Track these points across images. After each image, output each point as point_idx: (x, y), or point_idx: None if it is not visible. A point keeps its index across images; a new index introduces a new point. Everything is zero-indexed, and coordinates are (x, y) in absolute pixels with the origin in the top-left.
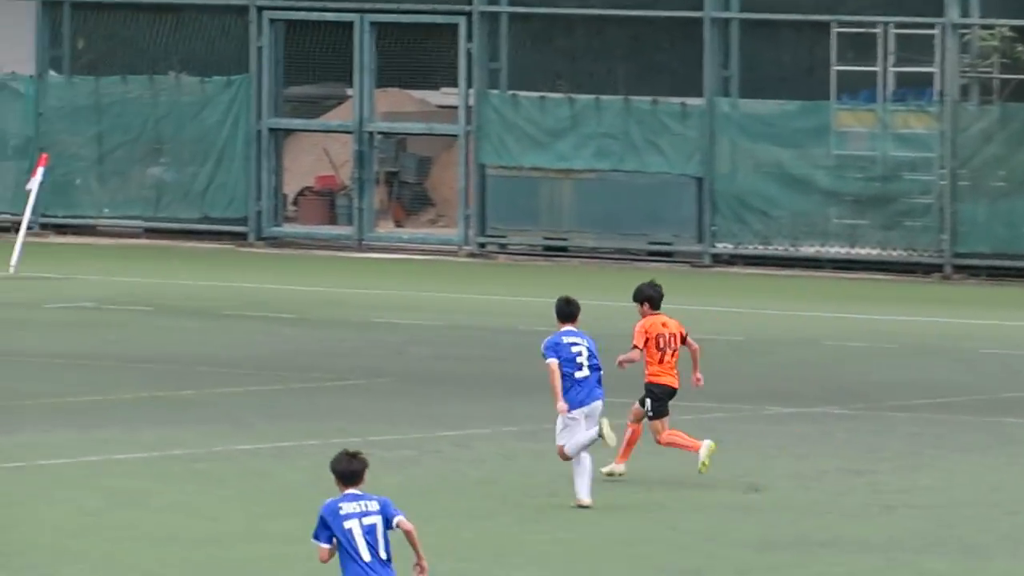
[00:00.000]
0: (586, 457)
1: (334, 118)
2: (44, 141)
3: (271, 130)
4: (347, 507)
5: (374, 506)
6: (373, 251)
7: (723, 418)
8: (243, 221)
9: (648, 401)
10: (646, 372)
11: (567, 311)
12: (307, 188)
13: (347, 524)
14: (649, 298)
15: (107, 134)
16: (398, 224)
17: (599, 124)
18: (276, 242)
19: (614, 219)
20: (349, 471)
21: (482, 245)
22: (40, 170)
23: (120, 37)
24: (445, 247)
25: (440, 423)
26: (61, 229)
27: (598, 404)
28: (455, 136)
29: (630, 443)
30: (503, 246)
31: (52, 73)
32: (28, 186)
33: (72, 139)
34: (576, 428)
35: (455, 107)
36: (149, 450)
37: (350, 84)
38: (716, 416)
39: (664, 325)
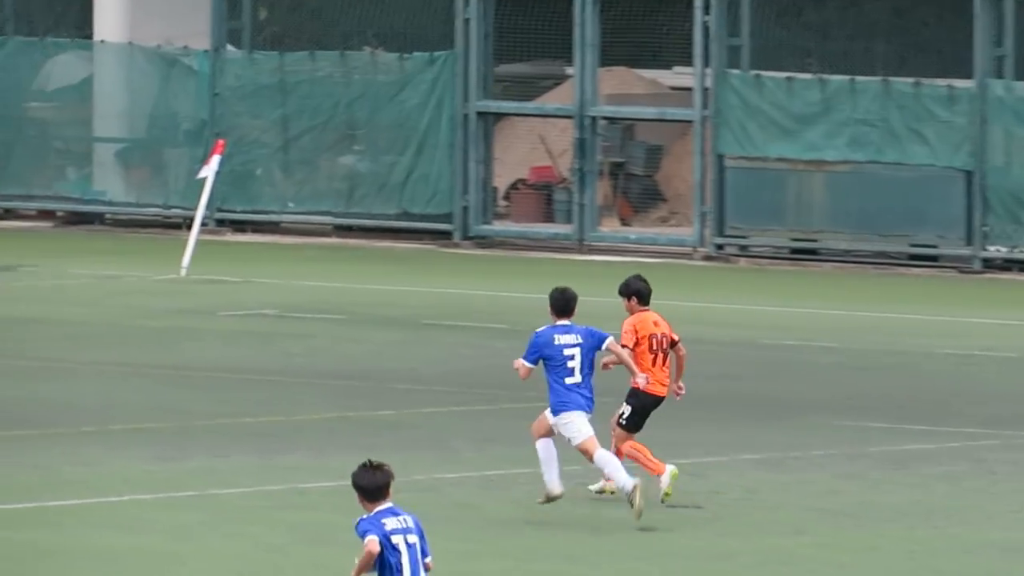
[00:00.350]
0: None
1: (551, 101)
2: (220, 125)
3: (479, 114)
4: (391, 523)
5: (411, 523)
6: (595, 253)
7: (993, 446)
8: (447, 218)
9: (627, 408)
10: (633, 377)
11: (563, 303)
12: (520, 181)
13: (395, 539)
14: (638, 292)
15: (292, 118)
16: (624, 222)
17: (854, 109)
18: (485, 242)
19: (871, 218)
20: (376, 485)
21: (719, 247)
22: (216, 158)
23: (308, 7)
24: (677, 249)
25: (671, 450)
26: (239, 226)
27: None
28: (689, 122)
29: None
30: (743, 248)
31: (230, 48)
32: (202, 174)
33: (252, 123)
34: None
35: (690, 89)
36: (338, 478)
37: (570, 62)
38: (985, 444)
39: (656, 324)
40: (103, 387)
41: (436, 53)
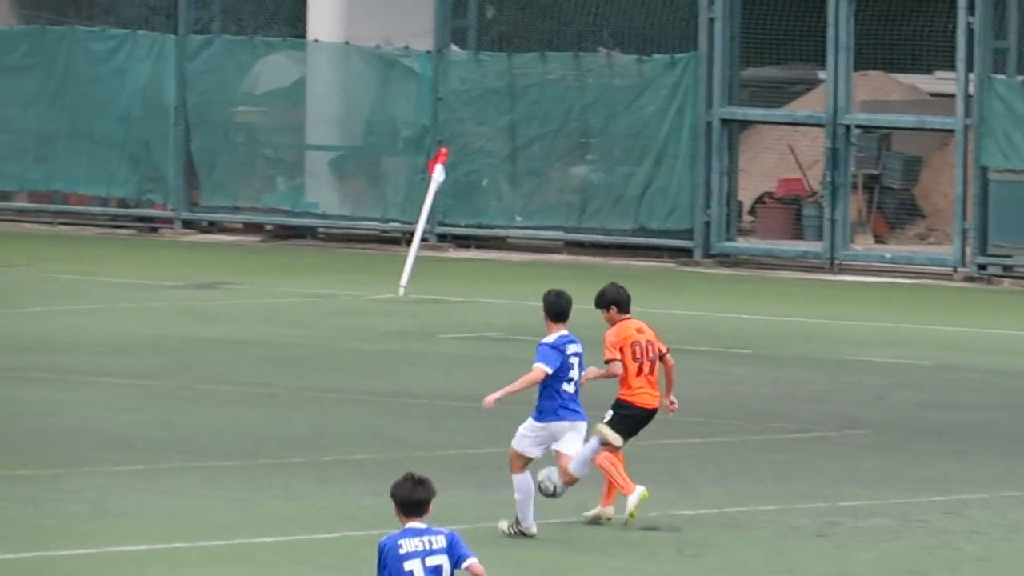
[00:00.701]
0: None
1: (802, 108)
2: (443, 132)
3: (724, 121)
4: (408, 544)
5: (440, 542)
6: (848, 272)
7: None
8: (688, 234)
9: (609, 413)
10: (620, 388)
11: (559, 308)
12: (767, 194)
13: (408, 565)
14: (615, 301)
15: (521, 124)
16: (879, 240)
17: None
18: (728, 260)
19: None
20: (412, 500)
21: (982, 267)
22: (438, 168)
23: (539, 5)
24: (936, 269)
25: (927, 486)
26: (463, 241)
27: (583, 424)
28: (951, 131)
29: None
30: (1008, 268)
31: (454, 48)
32: (433, 179)
33: (478, 130)
34: (538, 445)
35: (951, 96)
36: (569, 514)
37: (822, 66)
38: None
39: (639, 331)
40: (314, 415)
41: (677, 55)
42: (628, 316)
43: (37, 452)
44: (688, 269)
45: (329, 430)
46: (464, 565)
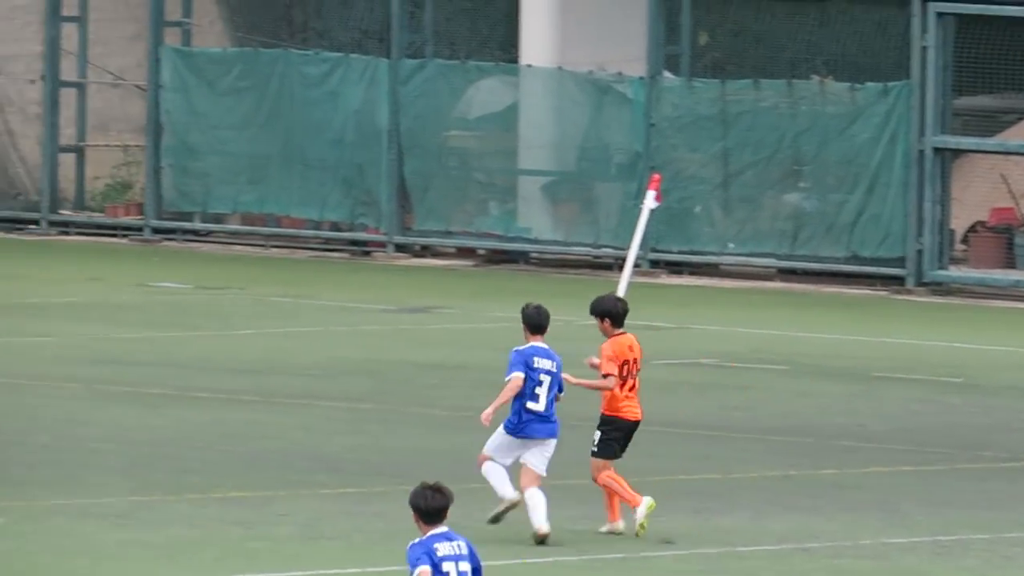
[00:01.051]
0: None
1: (1014, 137)
2: (656, 158)
3: (936, 150)
4: (443, 548)
5: (464, 548)
6: None
7: None
8: (900, 262)
9: (597, 434)
10: (603, 403)
11: (537, 321)
12: (979, 223)
13: (446, 566)
14: (609, 313)
15: (734, 151)
16: None
17: None
18: (940, 289)
19: None
20: (434, 507)
21: None
22: (651, 194)
23: (752, 32)
24: None
25: None
26: (675, 267)
27: (552, 442)
28: None
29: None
30: None
31: (667, 75)
32: (645, 206)
33: (691, 156)
34: (510, 453)
35: None
36: (780, 541)
37: None
38: None
39: (631, 349)
40: None
41: (890, 83)
42: (622, 331)
43: (250, 474)
44: (900, 297)
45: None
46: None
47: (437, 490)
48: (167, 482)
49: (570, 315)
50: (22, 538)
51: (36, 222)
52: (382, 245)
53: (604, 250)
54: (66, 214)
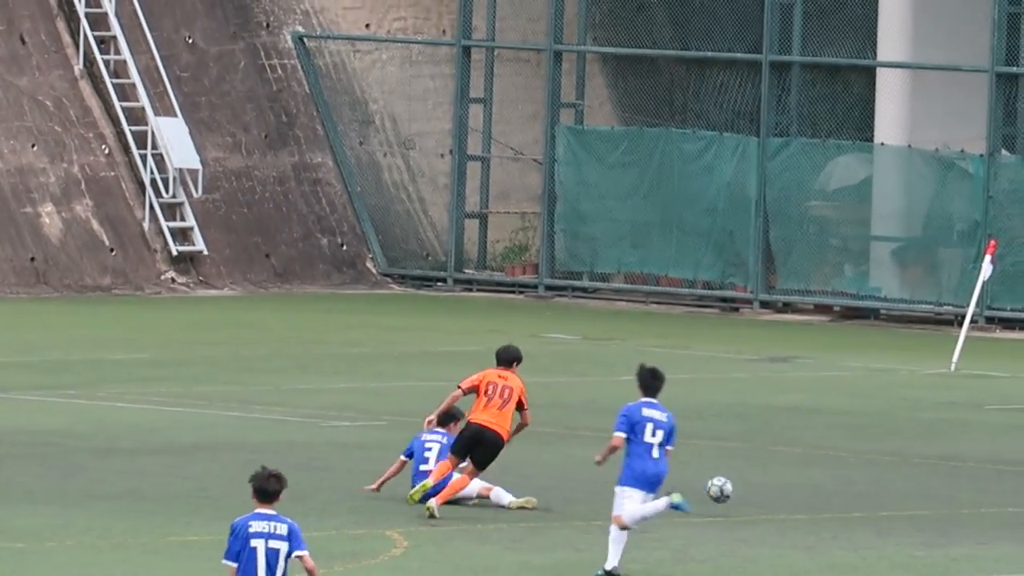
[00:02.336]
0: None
1: None
2: (993, 227)
3: None
4: (256, 525)
5: (283, 530)
6: None
7: None
8: None
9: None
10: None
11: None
12: None
13: (253, 542)
14: (497, 355)
15: None
16: None
17: None
18: None
19: None
20: (264, 489)
21: None
22: (988, 258)
23: None
24: None
25: None
26: (1008, 323)
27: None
28: None
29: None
30: None
31: (1004, 152)
32: (983, 268)
33: (1022, 224)
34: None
35: None
36: None
37: None
38: None
39: (501, 377)
40: (873, 475)
41: None
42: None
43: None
44: None
45: (888, 488)
46: (296, 554)
47: (275, 476)
48: (556, 511)
49: (915, 365)
50: (428, 559)
51: (443, 280)
52: (749, 302)
53: (945, 308)
54: (470, 273)
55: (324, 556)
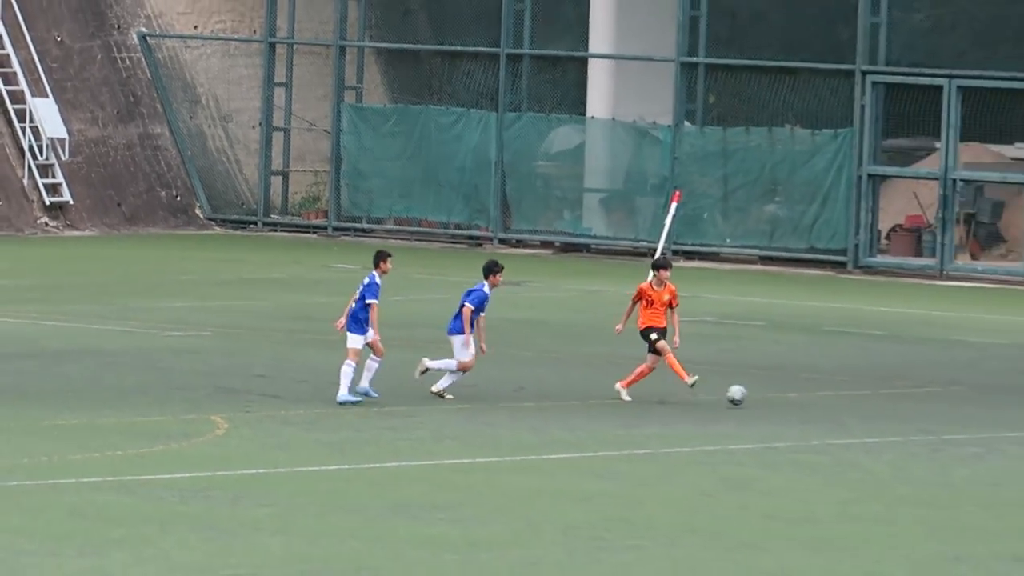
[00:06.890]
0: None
1: (923, 166)
2: (678, 181)
3: (870, 176)
4: None
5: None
6: (953, 280)
7: None
8: (843, 252)
9: None
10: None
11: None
12: (898, 225)
13: None
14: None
15: (731, 176)
16: (974, 257)
17: None
18: (870, 270)
19: None
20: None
21: None
22: (674, 205)
23: (745, 95)
24: (1015, 278)
25: (1006, 426)
26: (689, 255)
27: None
28: None
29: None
30: None
31: (687, 124)
32: (670, 213)
33: (701, 180)
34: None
35: None
36: (757, 442)
37: (938, 138)
38: None
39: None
40: (587, 372)
41: (839, 130)
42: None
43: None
44: (843, 277)
45: (598, 383)
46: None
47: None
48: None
49: (620, 287)
50: (244, 438)
51: (255, 223)
52: (490, 239)
53: (641, 243)
54: (275, 217)
55: (162, 436)
